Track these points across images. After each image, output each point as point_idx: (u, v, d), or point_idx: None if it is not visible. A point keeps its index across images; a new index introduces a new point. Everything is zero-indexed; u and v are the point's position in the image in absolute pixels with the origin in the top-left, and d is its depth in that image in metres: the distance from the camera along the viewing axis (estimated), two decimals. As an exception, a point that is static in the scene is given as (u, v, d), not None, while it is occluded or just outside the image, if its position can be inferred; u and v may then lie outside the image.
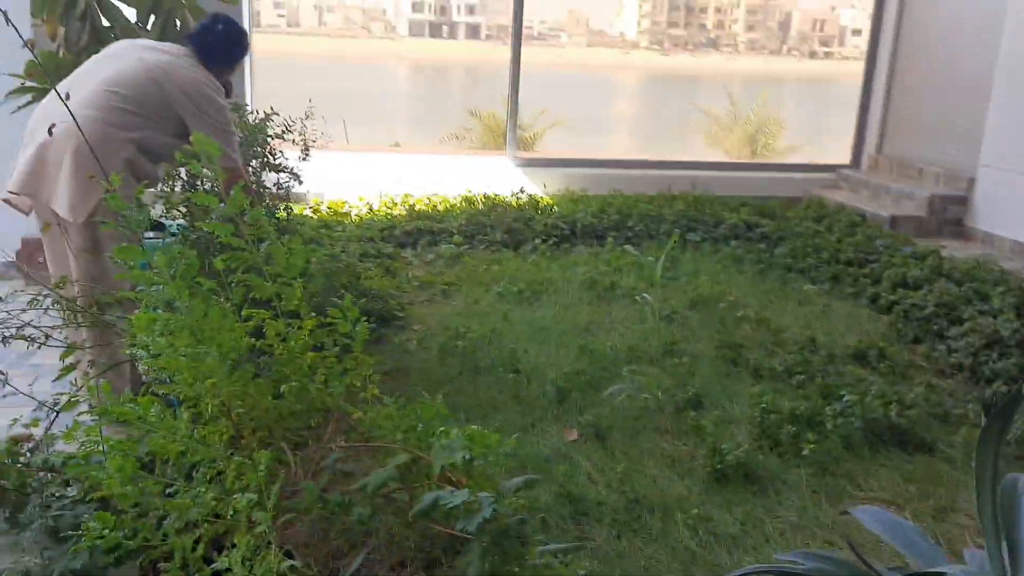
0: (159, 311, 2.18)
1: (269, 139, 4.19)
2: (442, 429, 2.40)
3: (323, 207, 6.93)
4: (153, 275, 1.94)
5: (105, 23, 4.61)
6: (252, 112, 4.53)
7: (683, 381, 4.19)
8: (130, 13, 4.85)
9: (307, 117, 4.46)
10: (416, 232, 6.54)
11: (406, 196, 7.22)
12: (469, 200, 7.24)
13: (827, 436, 3.61)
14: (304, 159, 4.32)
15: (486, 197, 7.29)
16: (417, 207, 7.00)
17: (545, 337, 4.71)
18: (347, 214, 6.82)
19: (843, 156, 8.99)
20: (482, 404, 3.89)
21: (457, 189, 7.55)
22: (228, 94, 4.50)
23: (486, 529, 2.13)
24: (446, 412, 2.48)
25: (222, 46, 3.52)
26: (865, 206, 7.65)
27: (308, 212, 6.65)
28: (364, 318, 2.54)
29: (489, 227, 6.68)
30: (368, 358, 2.52)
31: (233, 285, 2.45)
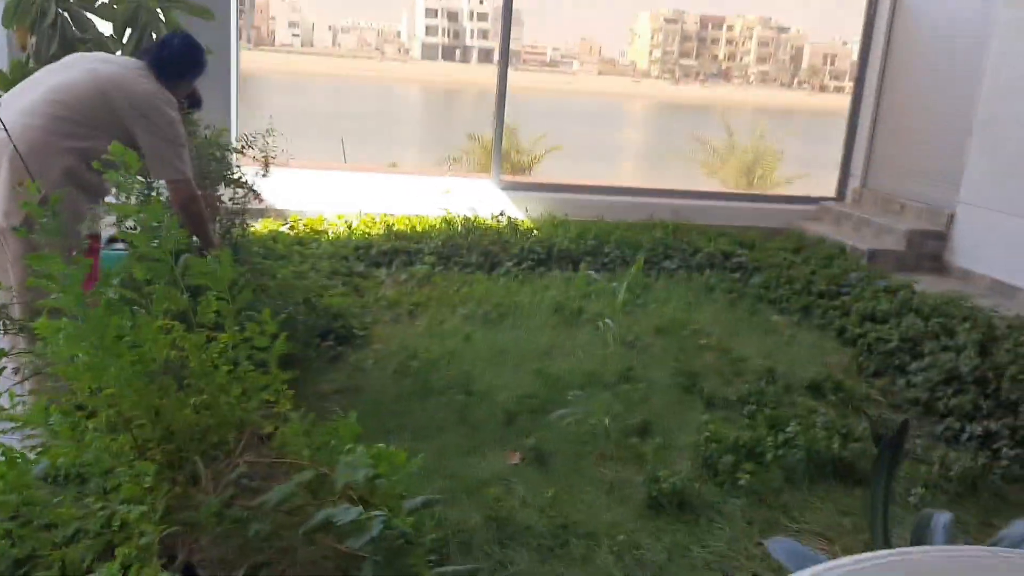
0: (66, 319, 2.19)
1: (228, 152, 4.23)
2: (348, 447, 2.42)
3: (301, 224, 6.96)
4: (46, 283, 1.96)
5: (78, 34, 4.67)
6: (209, 127, 4.56)
7: (633, 407, 4.20)
8: (107, 26, 4.93)
9: (268, 133, 4.50)
10: (392, 252, 6.57)
11: (384, 216, 7.27)
12: (448, 222, 7.27)
13: (767, 467, 3.61)
14: (263, 175, 4.36)
15: (465, 219, 7.32)
16: (395, 227, 7.03)
17: (503, 360, 4.72)
18: (325, 232, 6.86)
19: (831, 189, 9.03)
20: (429, 425, 3.90)
21: (442, 211, 7.59)
22: (196, 105, 4.55)
23: (381, 547, 2.14)
24: (358, 430, 2.50)
25: (176, 61, 3.57)
26: (846, 239, 7.66)
27: (285, 229, 6.68)
28: (284, 334, 2.56)
29: (465, 249, 6.71)
30: (281, 373, 2.54)
31: (152, 297, 2.47)
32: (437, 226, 7.19)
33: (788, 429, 3.81)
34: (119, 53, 4.97)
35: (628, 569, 2.92)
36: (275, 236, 6.37)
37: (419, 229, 7.10)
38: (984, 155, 7.05)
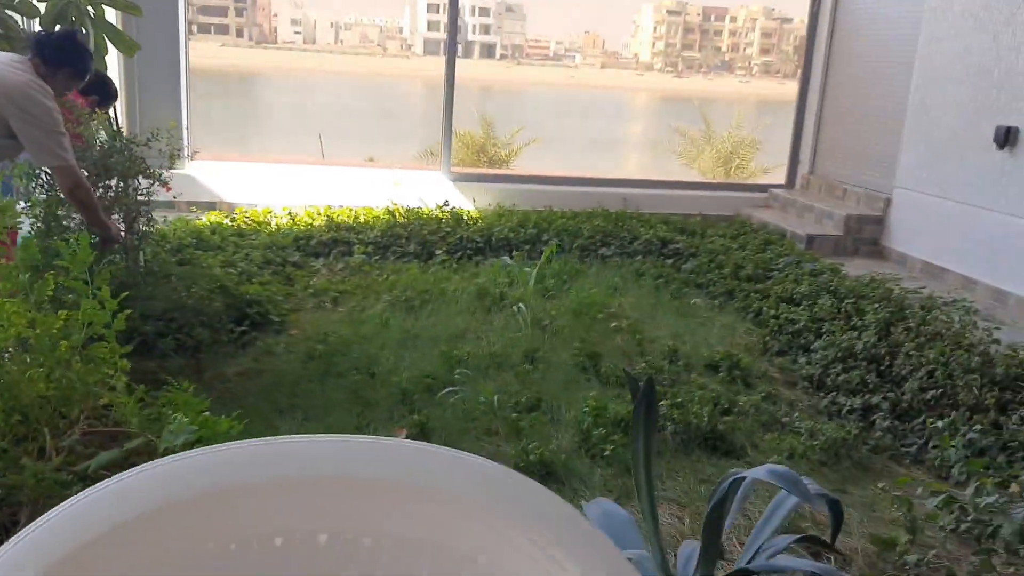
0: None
1: (134, 146, 4.38)
2: (175, 416, 2.58)
3: (246, 217, 7.11)
4: None
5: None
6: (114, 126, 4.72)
7: (531, 386, 4.35)
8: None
9: (173, 127, 4.64)
10: (331, 242, 6.73)
11: (328, 207, 7.42)
12: (391, 212, 7.42)
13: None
14: (170, 168, 4.51)
15: (408, 210, 7.48)
16: (338, 219, 7.18)
17: (414, 343, 4.87)
18: (267, 223, 7.01)
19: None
20: (325, 404, 4.05)
21: (389, 202, 7.74)
22: (108, 99, 4.70)
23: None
24: (195, 401, 2.66)
25: (54, 53, 3.71)
26: (788, 225, 7.79)
27: (227, 221, 6.84)
28: (126, 312, 2.69)
29: (404, 239, 6.86)
30: (118, 347, 2.69)
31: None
32: (381, 217, 7.34)
33: (662, 404, 3.95)
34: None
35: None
36: (215, 228, 6.53)
37: (362, 220, 7.25)
38: (917, 140, 7.17)
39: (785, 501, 2.30)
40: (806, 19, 8.74)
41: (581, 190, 8.55)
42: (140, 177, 4.33)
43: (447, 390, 4.08)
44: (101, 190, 4.24)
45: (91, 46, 5.20)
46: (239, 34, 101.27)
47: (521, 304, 5.22)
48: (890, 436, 4.02)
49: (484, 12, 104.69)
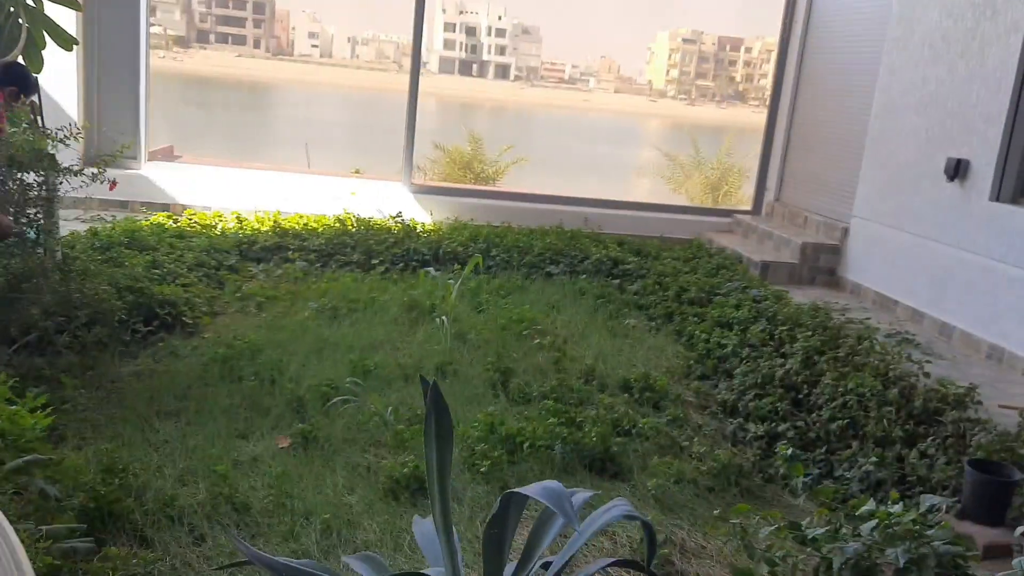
0: None
1: (51, 141, 4.35)
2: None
3: (194, 219, 7.06)
4: None
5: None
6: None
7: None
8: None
9: (81, 129, 4.56)
10: (275, 248, 6.67)
11: (277, 214, 7.37)
12: (342, 221, 7.36)
13: (525, 457, 3.66)
14: (97, 172, 4.46)
15: (359, 219, 7.42)
16: (286, 225, 7.12)
17: (328, 352, 4.79)
18: (214, 227, 6.96)
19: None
20: (217, 408, 3.97)
21: (359, 211, 7.70)
22: (27, 90, 4.65)
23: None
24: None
25: None
26: (746, 251, 7.68)
27: (170, 223, 6.79)
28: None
29: (350, 248, 6.80)
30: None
31: None
32: (331, 225, 7.28)
33: (553, 422, 3.85)
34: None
35: (330, 545, 2.98)
36: (156, 229, 6.48)
37: (312, 227, 7.19)
38: (874, 169, 7.08)
39: (599, 517, 2.21)
40: (775, 45, 8.69)
41: (542, 207, 8.47)
42: (49, 172, 4.26)
43: (335, 400, 3.99)
44: (11, 183, 4.18)
45: (22, 41, 5.21)
46: (256, 45, 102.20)
47: (443, 317, 5.13)
48: (791, 464, 3.91)
49: (500, 33, 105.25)
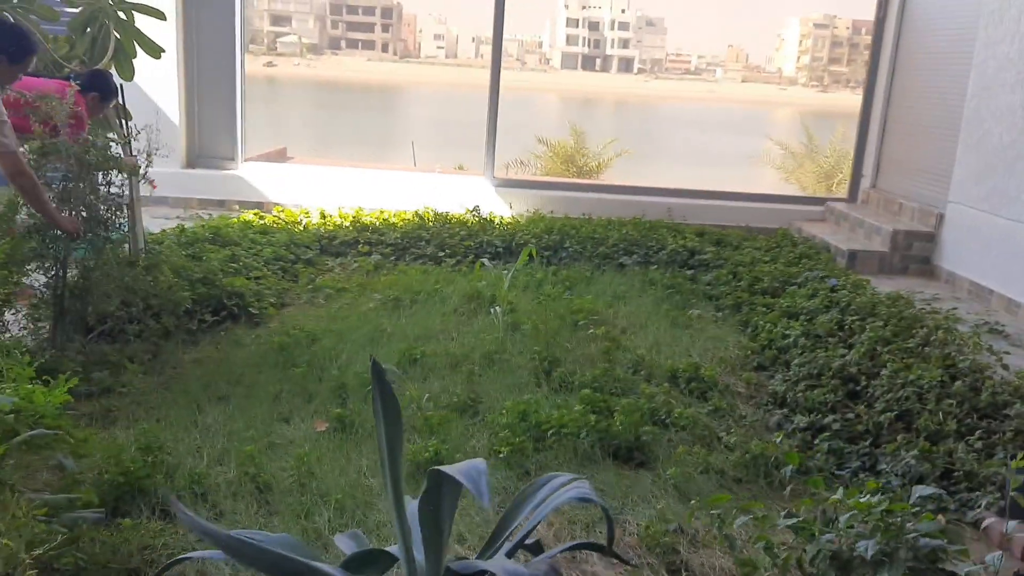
0: None
1: (113, 144, 4.63)
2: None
3: (279, 216, 7.36)
4: None
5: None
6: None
7: (476, 387, 4.33)
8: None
9: (141, 129, 4.78)
10: (354, 242, 6.88)
11: (359, 210, 7.59)
12: (420, 216, 7.52)
13: (550, 445, 3.66)
14: (148, 167, 4.71)
15: (437, 214, 7.55)
16: (366, 220, 7.33)
17: (384, 341, 4.91)
18: (298, 222, 7.23)
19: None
20: (265, 393, 4.13)
21: (442, 206, 7.87)
22: (109, 95, 4.94)
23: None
24: (27, 372, 2.78)
25: None
26: (835, 240, 7.41)
27: (257, 219, 7.09)
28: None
29: (424, 241, 6.94)
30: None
31: None
32: (410, 220, 7.45)
33: (580, 410, 3.84)
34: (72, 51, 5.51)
35: (343, 524, 3.07)
36: (243, 225, 6.79)
37: (392, 222, 7.37)
38: (969, 152, 6.70)
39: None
40: (872, 26, 8.32)
41: (625, 199, 8.41)
42: (115, 173, 4.53)
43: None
44: (81, 184, 4.45)
45: (111, 50, 5.56)
46: (384, 49, 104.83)
47: (496, 307, 5.18)
48: (833, 457, 3.77)
49: (623, 26, 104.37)
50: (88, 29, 5.58)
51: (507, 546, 2.29)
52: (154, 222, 6.85)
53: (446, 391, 4.26)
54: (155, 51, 5.86)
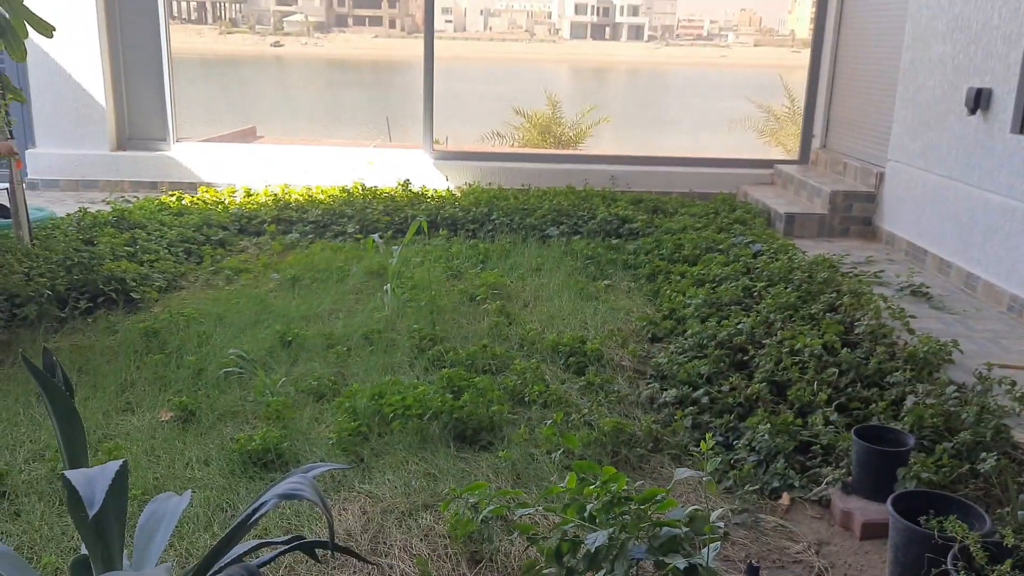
0: None
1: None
2: None
3: (201, 196, 7.19)
4: None
5: None
6: None
7: (348, 366, 4.17)
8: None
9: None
10: (274, 220, 6.70)
11: (283, 187, 7.41)
12: (348, 191, 7.33)
13: (395, 430, 3.49)
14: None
15: (366, 189, 7.36)
16: (289, 198, 7.15)
17: (267, 323, 4.74)
18: (221, 202, 7.06)
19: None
20: (119, 382, 3.98)
21: (380, 181, 7.69)
22: None
23: None
24: None
25: None
26: (776, 204, 7.15)
27: (178, 201, 6.93)
28: None
29: (346, 218, 6.75)
30: None
31: None
32: (337, 196, 7.26)
33: (424, 390, 3.66)
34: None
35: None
36: (156, 207, 6.64)
37: (319, 199, 7.19)
38: (906, 106, 6.41)
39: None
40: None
41: (568, 167, 8.17)
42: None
43: (224, 371, 3.94)
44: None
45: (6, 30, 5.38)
46: (392, 25, 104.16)
47: (387, 285, 5.00)
48: (697, 432, 3.57)
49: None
50: (-28, 10, 5.41)
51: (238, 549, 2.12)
52: (76, 207, 6.71)
53: (309, 374, 4.09)
54: (47, 29, 5.66)
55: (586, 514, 2.02)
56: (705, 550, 1.84)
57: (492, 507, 2.22)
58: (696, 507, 2.02)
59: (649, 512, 1.98)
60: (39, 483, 3.11)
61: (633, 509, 1.95)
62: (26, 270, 4.57)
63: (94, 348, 4.34)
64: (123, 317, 4.78)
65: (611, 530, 1.91)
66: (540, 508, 2.20)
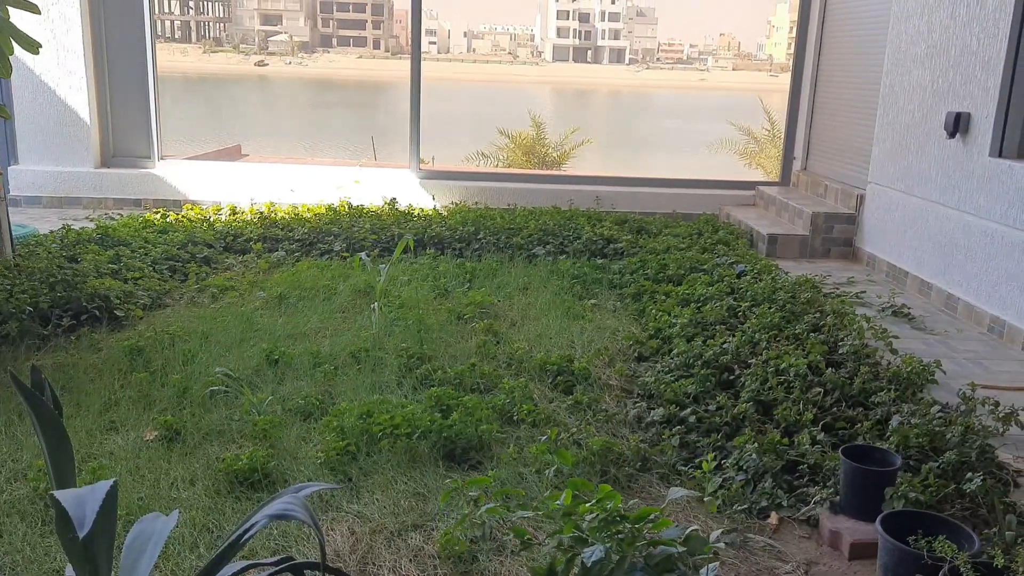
0: None
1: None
2: None
3: (185, 214, 7.17)
4: None
5: None
6: None
7: (334, 385, 4.16)
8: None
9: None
10: (260, 238, 6.68)
11: (269, 204, 7.40)
12: (335, 210, 7.33)
13: (383, 449, 3.48)
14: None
15: (352, 207, 7.37)
16: (275, 216, 7.14)
17: (254, 341, 4.72)
18: (206, 220, 7.04)
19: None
20: (103, 400, 3.95)
21: (366, 200, 7.70)
22: None
23: None
24: None
25: None
26: (758, 225, 7.21)
27: (162, 219, 6.90)
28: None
29: (333, 236, 6.75)
30: None
31: None
32: (323, 214, 7.26)
33: (413, 408, 3.66)
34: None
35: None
36: (142, 225, 6.61)
37: (307, 217, 7.18)
38: (886, 130, 6.50)
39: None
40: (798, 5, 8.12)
41: (553, 188, 8.22)
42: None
43: (212, 389, 3.92)
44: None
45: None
46: (376, 46, 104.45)
47: (375, 304, 5.00)
48: (685, 451, 3.59)
49: (614, 17, 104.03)
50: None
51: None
52: (59, 223, 6.68)
53: (297, 393, 4.08)
54: (33, 46, 5.65)
55: (583, 533, 2.02)
56: (704, 570, 1.85)
57: (490, 505, 2.20)
58: (693, 527, 2.03)
59: (643, 531, 1.99)
60: (21, 503, 3.08)
61: (628, 528, 1.95)
62: (8, 287, 4.54)
63: (77, 366, 4.31)
64: (107, 335, 4.75)
65: (607, 545, 1.91)
66: (539, 514, 2.20)
